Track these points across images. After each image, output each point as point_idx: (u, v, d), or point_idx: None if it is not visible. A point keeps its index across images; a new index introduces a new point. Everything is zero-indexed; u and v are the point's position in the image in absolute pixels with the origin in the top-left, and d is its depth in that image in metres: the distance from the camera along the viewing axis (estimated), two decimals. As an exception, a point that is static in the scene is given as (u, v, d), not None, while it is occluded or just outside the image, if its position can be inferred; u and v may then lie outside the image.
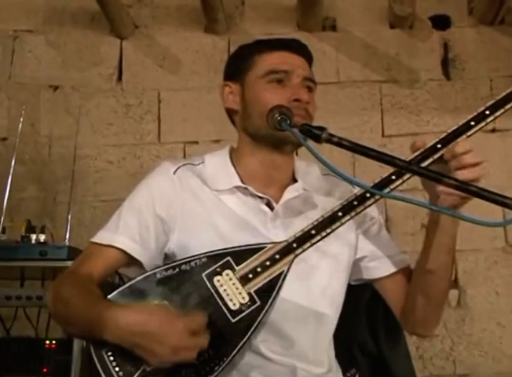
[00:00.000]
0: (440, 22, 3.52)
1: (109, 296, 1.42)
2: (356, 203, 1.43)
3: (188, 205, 1.59)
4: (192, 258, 1.43)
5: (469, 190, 1.22)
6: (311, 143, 1.32)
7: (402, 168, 1.27)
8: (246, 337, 1.38)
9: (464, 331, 3.15)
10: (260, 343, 1.48)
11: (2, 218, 2.51)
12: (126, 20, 3.50)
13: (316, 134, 1.30)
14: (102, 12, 3.38)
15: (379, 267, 1.66)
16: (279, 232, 1.56)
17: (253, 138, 1.64)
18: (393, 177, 1.39)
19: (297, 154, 1.73)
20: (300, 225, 1.57)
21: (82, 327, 1.40)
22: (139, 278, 1.42)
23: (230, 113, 1.73)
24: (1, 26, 3.61)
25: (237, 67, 1.69)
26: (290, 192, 1.62)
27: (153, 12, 3.60)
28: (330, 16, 3.56)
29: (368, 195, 1.42)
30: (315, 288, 1.57)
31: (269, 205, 1.61)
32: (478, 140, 3.24)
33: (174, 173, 1.62)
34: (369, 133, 3.38)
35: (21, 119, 2.82)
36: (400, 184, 1.40)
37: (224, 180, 1.62)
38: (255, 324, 1.39)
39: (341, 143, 1.29)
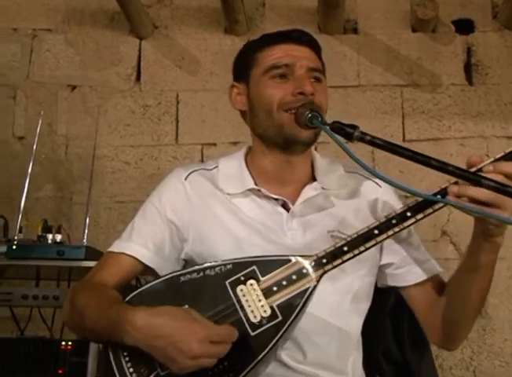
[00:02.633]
0: (464, 26, 3.47)
1: (130, 296, 1.39)
2: (394, 221, 1.35)
3: (199, 212, 1.56)
4: (217, 264, 1.38)
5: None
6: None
7: (437, 169, 1.21)
8: (264, 352, 1.31)
9: (485, 341, 3.08)
10: (281, 351, 1.43)
11: (20, 217, 2.48)
12: (146, 20, 3.48)
13: (347, 132, 1.26)
14: (122, 12, 3.36)
15: (406, 275, 1.59)
16: (296, 233, 1.52)
17: (262, 139, 1.60)
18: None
19: (316, 149, 1.68)
20: (318, 225, 1.54)
21: (99, 333, 1.37)
22: (162, 279, 1.39)
23: (242, 115, 1.68)
24: (20, 25, 3.61)
25: (241, 66, 1.65)
26: (307, 192, 1.56)
27: (173, 13, 3.58)
28: (351, 18, 3.52)
29: (409, 214, 1.34)
30: (340, 295, 1.51)
31: (285, 206, 1.56)
32: (499, 147, 3.22)
33: (186, 178, 1.60)
34: (389, 138, 3.28)
35: (40, 120, 2.79)
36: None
37: (238, 183, 1.58)
38: (274, 341, 1.31)
39: (374, 142, 1.24)
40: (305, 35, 1.60)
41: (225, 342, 1.26)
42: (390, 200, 1.63)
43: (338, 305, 1.50)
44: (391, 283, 1.61)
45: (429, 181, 3.10)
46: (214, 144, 3.41)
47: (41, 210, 3.24)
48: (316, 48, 1.61)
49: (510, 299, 3.13)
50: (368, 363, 1.64)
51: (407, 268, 1.59)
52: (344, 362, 1.52)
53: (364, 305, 1.58)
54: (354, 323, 1.55)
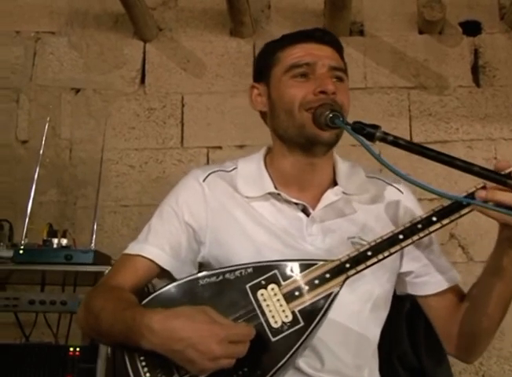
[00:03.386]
0: (471, 28, 3.44)
1: (147, 299, 1.36)
2: (420, 226, 1.33)
3: (217, 215, 1.53)
4: (238, 267, 1.35)
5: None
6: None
7: (462, 169, 1.18)
8: (285, 359, 1.28)
9: (494, 346, 3.04)
10: (299, 359, 1.40)
11: (27, 221, 2.45)
12: (150, 23, 3.45)
13: (369, 132, 1.22)
14: (126, 14, 3.33)
15: (425, 284, 1.55)
16: (316, 239, 1.48)
17: (283, 140, 1.56)
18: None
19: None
20: (338, 231, 1.50)
21: (115, 337, 1.33)
22: (180, 282, 1.36)
23: (262, 116, 1.65)
24: (24, 27, 3.58)
25: (262, 66, 1.62)
26: (328, 197, 1.53)
27: (177, 15, 3.55)
28: (357, 20, 3.49)
29: (435, 219, 1.32)
30: (360, 302, 1.47)
31: (305, 211, 1.52)
32: (507, 149, 3.19)
33: (204, 180, 1.57)
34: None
35: (46, 124, 2.76)
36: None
37: (257, 186, 1.55)
38: (296, 347, 1.28)
39: (396, 142, 1.22)
40: (326, 35, 1.57)
41: (244, 341, 1.23)
42: (412, 206, 1.60)
43: (358, 313, 1.47)
44: (411, 291, 1.58)
45: (435, 185, 3.06)
46: (220, 148, 3.37)
47: (45, 215, 3.20)
48: (338, 47, 1.58)
49: (520, 303, 3.09)
50: (384, 368, 1.61)
51: (427, 277, 1.55)
52: (361, 371, 1.49)
53: (383, 314, 1.55)
54: (373, 332, 1.52)
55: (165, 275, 1.50)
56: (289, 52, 1.54)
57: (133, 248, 1.52)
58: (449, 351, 1.58)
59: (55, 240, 2.40)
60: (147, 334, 1.24)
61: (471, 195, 1.27)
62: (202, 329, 1.21)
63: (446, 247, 3.09)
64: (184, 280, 1.37)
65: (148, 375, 1.28)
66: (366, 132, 1.23)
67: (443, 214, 1.32)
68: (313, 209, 1.51)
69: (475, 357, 1.59)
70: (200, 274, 1.37)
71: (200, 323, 1.23)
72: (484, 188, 1.26)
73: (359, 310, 1.47)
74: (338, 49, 1.58)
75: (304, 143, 1.50)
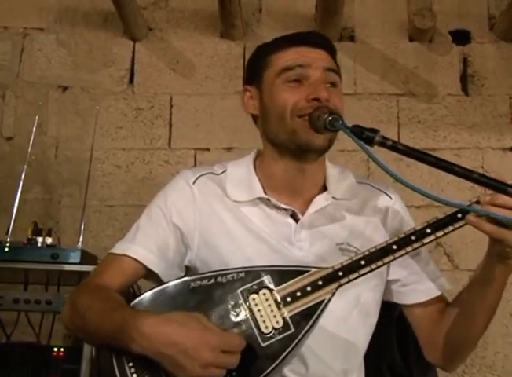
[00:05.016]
0: (461, 37, 3.46)
1: (135, 300, 1.34)
2: (413, 237, 1.33)
3: (206, 218, 1.51)
4: (230, 271, 1.34)
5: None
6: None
7: (461, 176, 1.17)
8: (274, 365, 1.27)
9: (477, 354, 3.05)
10: (284, 366, 1.37)
11: (13, 219, 2.41)
12: (140, 22, 3.42)
13: (368, 136, 1.21)
14: (116, 13, 3.30)
15: (411, 294, 1.54)
16: (305, 245, 1.47)
17: (274, 145, 1.53)
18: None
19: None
20: (327, 237, 1.49)
21: (103, 337, 1.31)
22: (172, 283, 1.35)
23: (254, 119, 1.62)
24: (12, 23, 3.53)
25: (254, 69, 1.59)
26: (318, 203, 1.51)
27: (168, 16, 3.53)
28: (348, 26, 3.49)
29: (429, 230, 1.32)
30: (348, 307, 1.46)
31: (295, 216, 1.50)
32: (494, 159, 3.21)
33: (194, 182, 1.55)
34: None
35: (35, 123, 2.73)
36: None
37: (246, 191, 1.53)
38: (285, 353, 1.28)
39: (395, 147, 1.21)
40: (320, 38, 1.55)
41: (236, 352, 1.22)
42: (401, 212, 1.60)
43: (345, 318, 1.46)
44: (396, 300, 1.57)
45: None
46: (208, 149, 3.35)
47: (29, 213, 3.16)
48: (331, 51, 1.55)
49: (503, 312, 3.10)
50: (373, 376, 1.60)
51: (414, 286, 1.54)
52: (349, 375, 1.47)
53: (372, 320, 1.53)
54: (361, 338, 1.50)
55: (152, 276, 1.48)
56: (282, 54, 1.52)
57: (119, 247, 1.50)
58: (431, 359, 1.57)
59: (40, 239, 2.38)
60: (138, 338, 1.22)
61: (470, 205, 1.26)
62: (195, 336, 1.20)
63: (432, 254, 3.05)
64: (175, 281, 1.35)
65: (135, 376, 1.26)
66: (365, 136, 1.21)
67: (437, 226, 1.33)
68: (302, 214, 1.50)
69: (455, 366, 1.59)
70: (192, 277, 1.35)
71: (193, 330, 1.21)
72: (477, 202, 1.26)
73: (346, 315, 1.46)
74: (332, 53, 1.56)
75: (295, 149, 1.48)
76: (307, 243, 1.47)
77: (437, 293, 1.54)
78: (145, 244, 1.48)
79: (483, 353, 3.07)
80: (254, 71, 1.59)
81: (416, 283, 1.54)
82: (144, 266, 1.47)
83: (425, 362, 1.70)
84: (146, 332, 1.22)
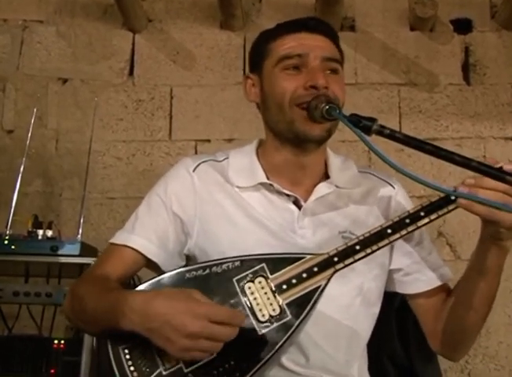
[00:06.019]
0: (462, 26, 3.43)
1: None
2: (408, 221, 1.32)
3: (206, 206, 1.50)
4: (225, 261, 1.34)
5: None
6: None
7: (460, 164, 1.16)
8: (272, 352, 1.27)
9: (480, 344, 3.04)
10: (283, 356, 1.38)
11: (12, 212, 2.41)
12: (140, 14, 3.41)
13: (366, 125, 1.20)
14: (116, 4, 3.28)
15: (414, 282, 1.54)
16: (307, 232, 1.46)
17: (274, 133, 1.53)
18: None
19: None
20: (329, 225, 1.48)
21: (99, 320, 1.31)
22: (167, 274, 1.34)
23: (258, 107, 1.61)
24: (11, 15, 3.52)
25: (255, 57, 1.59)
26: (321, 190, 1.50)
27: (167, 6, 3.50)
28: (349, 15, 3.47)
29: (423, 213, 1.31)
30: (350, 296, 1.46)
31: (297, 203, 1.50)
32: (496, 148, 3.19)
33: (194, 170, 1.54)
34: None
35: (34, 115, 2.72)
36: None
37: (248, 176, 1.52)
38: (283, 340, 1.28)
39: (393, 135, 1.20)
40: (320, 23, 1.53)
41: (229, 324, 1.19)
42: (403, 201, 1.59)
43: (348, 306, 1.45)
44: (399, 290, 1.57)
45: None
46: (208, 141, 3.34)
47: (29, 206, 3.16)
48: (332, 36, 1.53)
49: (506, 302, 3.09)
50: (374, 366, 1.59)
51: (416, 275, 1.54)
52: (350, 367, 1.46)
53: (374, 309, 1.53)
54: (363, 327, 1.50)
55: (152, 265, 1.48)
56: (280, 42, 1.50)
57: (119, 238, 1.50)
58: (435, 348, 1.56)
59: (40, 231, 2.38)
60: (128, 312, 1.21)
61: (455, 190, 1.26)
62: (179, 306, 1.18)
63: (434, 245, 3.03)
64: (171, 273, 1.34)
65: (131, 368, 1.26)
66: (362, 125, 1.20)
67: (431, 209, 1.32)
68: (305, 201, 1.49)
69: (461, 355, 1.58)
70: (187, 267, 1.35)
71: (177, 301, 1.19)
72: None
73: (349, 304, 1.45)
74: (333, 38, 1.53)
75: (293, 139, 1.47)
76: (310, 231, 1.47)
77: (440, 282, 1.53)
78: (144, 234, 1.47)
79: (486, 342, 3.06)
80: (255, 59, 1.58)
81: (419, 273, 1.53)
82: (144, 256, 1.46)
83: (426, 353, 1.70)
84: (135, 307, 1.21)
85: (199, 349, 1.17)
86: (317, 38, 1.49)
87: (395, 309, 1.73)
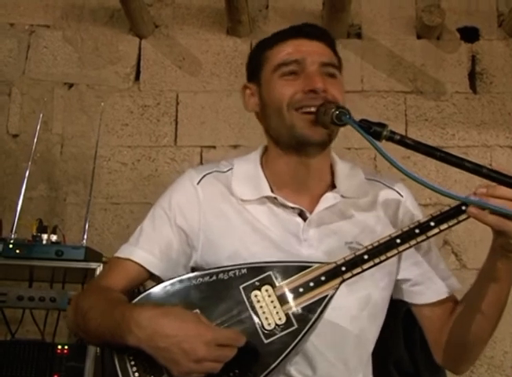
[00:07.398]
0: (469, 34, 3.43)
1: (138, 298, 1.33)
2: (417, 231, 1.30)
3: (211, 219, 1.49)
4: (231, 268, 1.33)
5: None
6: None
7: (471, 171, 1.15)
8: (277, 362, 1.25)
9: (485, 354, 3.02)
10: (291, 366, 1.36)
11: (17, 216, 2.40)
12: (146, 19, 3.41)
13: (376, 131, 1.19)
14: (122, 9, 3.29)
15: (421, 294, 1.51)
16: (313, 245, 1.44)
17: (276, 141, 1.51)
18: None
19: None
20: (335, 236, 1.46)
21: (103, 335, 1.30)
22: (172, 281, 1.33)
23: (257, 117, 1.60)
24: (18, 20, 3.53)
25: (253, 65, 1.57)
26: (326, 201, 1.48)
27: (174, 12, 3.51)
28: (355, 23, 3.47)
29: (433, 224, 1.29)
30: (358, 307, 1.43)
31: (302, 215, 1.48)
32: (503, 157, 3.17)
33: (198, 183, 1.52)
34: (392, 144, 3.27)
35: (39, 122, 2.71)
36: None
37: (253, 189, 1.50)
38: (288, 349, 1.26)
39: (404, 141, 1.19)
40: (316, 29, 1.52)
41: (232, 346, 1.20)
42: (411, 209, 1.56)
43: (356, 317, 1.43)
44: (406, 298, 1.54)
45: (429, 191, 3.05)
46: (214, 147, 3.34)
47: (34, 210, 3.15)
48: (329, 42, 1.52)
49: (511, 311, 3.07)
50: (380, 374, 1.57)
51: (424, 285, 1.52)
52: (355, 374, 1.44)
53: (380, 319, 1.51)
54: (369, 337, 1.48)
55: (156, 278, 1.47)
56: (277, 49, 1.49)
57: (123, 251, 1.50)
58: (439, 360, 1.54)
59: (44, 236, 2.37)
60: (134, 328, 1.21)
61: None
62: (189, 328, 1.19)
63: (440, 253, 3.07)
64: (177, 279, 1.34)
65: (136, 374, 1.25)
66: (373, 130, 1.19)
67: (441, 219, 1.30)
68: (310, 213, 1.47)
69: (465, 368, 1.54)
70: (193, 274, 1.34)
71: (188, 323, 1.20)
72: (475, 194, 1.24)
73: (356, 314, 1.43)
74: (330, 44, 1.52)
75: (295, 143, 1.46)
76: (315, 242, 1.44)
77: (447, 294, 1.51)
78: (148, 248, 1.47)
79: (491, 352, 3.04)
80: (253, 68, 1.57)
81: (426, 283, 1.51)
82: (147, 270, 1.46)
83: (433, 361, 1.68)
84: (143, 323, 1.21)
85: (202, 371, 1.18)
86: (314, 44, 1.48)
87: (402, 317, 1.70)
